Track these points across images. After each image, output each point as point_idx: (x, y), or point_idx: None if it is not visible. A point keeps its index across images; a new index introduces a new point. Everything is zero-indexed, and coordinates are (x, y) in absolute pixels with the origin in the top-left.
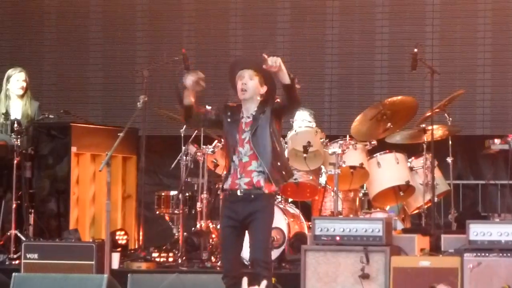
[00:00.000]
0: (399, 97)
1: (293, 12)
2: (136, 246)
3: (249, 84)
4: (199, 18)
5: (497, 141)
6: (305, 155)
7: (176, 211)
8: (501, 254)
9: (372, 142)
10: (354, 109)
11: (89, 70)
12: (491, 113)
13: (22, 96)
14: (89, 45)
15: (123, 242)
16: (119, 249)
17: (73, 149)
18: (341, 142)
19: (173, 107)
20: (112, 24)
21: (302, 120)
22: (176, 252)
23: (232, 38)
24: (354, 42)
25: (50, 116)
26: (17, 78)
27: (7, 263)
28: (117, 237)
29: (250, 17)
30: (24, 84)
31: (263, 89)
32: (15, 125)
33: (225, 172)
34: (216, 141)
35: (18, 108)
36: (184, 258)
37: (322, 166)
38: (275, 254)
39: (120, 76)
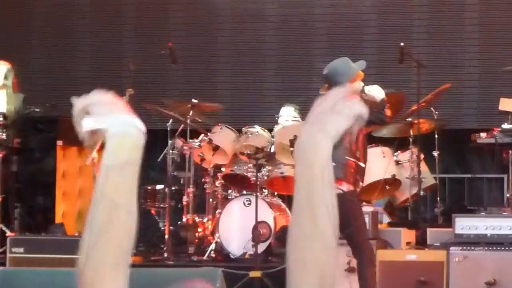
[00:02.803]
0: (386, 91)
1: (282, 6)
2: None
3: None
4: (187, 12)
5: (483, 134)
6: (291, 149)
7: (162, 205)
8: (487, 248)
9: None
10: None
11: (76, 63)
12: (478, 107)
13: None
14: (76, 39)
15: None
16: None
17: (59, 143)
18: None
19: (160, 101)
20: (100, 18)
21: (288, 116)
22: (162, 246)
23: (220, 31)
24: (341, 36)
25: (36, 109)
26: None
27: None
28: None
29: (239, 10)
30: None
31: None
32: (1, 118)
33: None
34: (202, 135)
35: (2, 101)
36: (170, 252)
37: None
38: (261, 248)
39: (107, 69)
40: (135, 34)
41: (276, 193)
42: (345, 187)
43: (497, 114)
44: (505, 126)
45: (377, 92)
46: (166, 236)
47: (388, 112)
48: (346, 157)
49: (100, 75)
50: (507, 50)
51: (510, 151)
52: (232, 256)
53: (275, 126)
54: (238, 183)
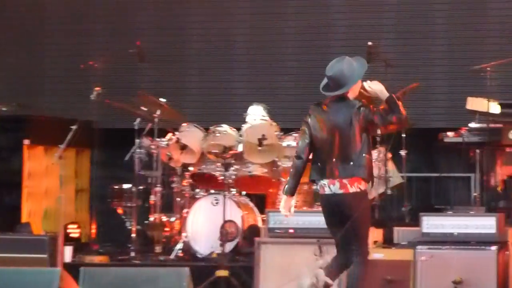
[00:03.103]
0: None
1: (253, 5)
2: (89, 240)
3: None
4: (156, 11)
5: (450, 134)
6: (259, 148)
7: (129, 204)
8: (453, 247)
9: None
10: (310, 102)
11: (44, 62)
12: (446, 106)
13: None
14: (45, 37)
15: (76, 235)
16: (71, 242)
17: (26, 142)
18: (295, 135)
19: (127, 100)
20: (68, 16)
21: (256, 115)
22: (129, 245)
23: (188, 31)
24: (310, 36)
25: (3, 109)
26: None
27: None
28: (69, 231)
29: (208, 9)
30: None
31: None
32: None
33: None
34: (170, 134)
35: None
36: (137, 251)
37: (277, 159)
38: (229, 247)
39: (76, 68)
40: (103, 32)
41: (244, 192)
42: (363, 186)
43: (465, 114)
44: (472, 125)
45: (378, 87)
46: (133, 236)
47: (402, 110)
48: (366, 155)
49: (69, 74)
50: (474, 50)
51: (477, 150)
52: (199, 255)
53: (243, 125)
54: (206, 182)
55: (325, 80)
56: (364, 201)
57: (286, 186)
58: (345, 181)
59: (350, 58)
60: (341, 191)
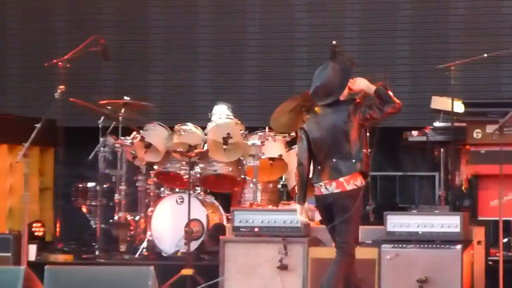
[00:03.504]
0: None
1: (214, 4)
2: (53, 238)
3: None
4: (119, 8)
5: (415, 133)
6: (225, 146)
7: (94, 203)
8: (418, 246)
9: (291, 134)
10: (274, 101)
11: (7, 60)
12: (409, 105)
13: None
14: (7, 35)
15: (40, 234)
16: (36, 241)
17: None
18: (260, 133)
19: (91, 98)
20: (31, 14)
21: (221, 114)
22: (94, 244)
23: (152, 29)
24: (274, 34)
25: None
26: None
27: None
28: (33, 229)
29: (172, 8)
30: None
31: None
32: None
33: None
34: (134, 132)
35: None
36: (102, 250)
37: (242, 158)
38: (194, 245)
39: (39, 66)
40: (67, 30)
41: (209, 191)
42: (360, 182)
43: (429, 113)
44: (437, 124)
45: (363, 83)
46: (98, 234)
47: (393, 97)
48: (364, 150)
49: (32, 72)
50: (438, 49)
51: (441, 149)
52: (164, 254)
53: (208, 123)
54: (171, 181)
55: (313, 87)
56: (358, 199)
57: (297, 195)
58: (341, 179)
59: (334, 63)
60: (338, 190)
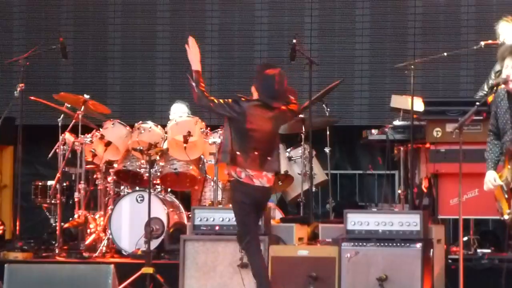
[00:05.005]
0: None
1: (173, 2)
2: (13, 236)
3: None
4: (78, 6)
5: (374, 131)
6: (185, 145)
7: (53, 201)
8: (378, 244)
9: None
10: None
11: None
12: (369, 103)
13: None
14: None
15: None
16: None
17: None
18: (220, 132)
19: (50, 96)
20: None
21: (180, 112)
22: (54, 242)
23: (111, 27)
24: (233, 33)
25: None
26: None
27: None
28: None
29: (130, 6)
30: None
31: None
32: None
33: None
34: (94, 130)
35: None
36: (61, 248)
37: (202, 156)
38: (154, 244)
39: None
40: (25, 28)
41: (169, 190)
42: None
43: (388, 111)
44: (397, 123)
45: (194, 50)
46: (57, 233)
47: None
48: (279, 151)
49: None
50: (397, 48)
51: (401, 148)
52: (124, 253)
53: (168, 122)
54: (131, 179)
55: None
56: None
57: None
58: (269, 175)
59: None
60: (268, 185)
